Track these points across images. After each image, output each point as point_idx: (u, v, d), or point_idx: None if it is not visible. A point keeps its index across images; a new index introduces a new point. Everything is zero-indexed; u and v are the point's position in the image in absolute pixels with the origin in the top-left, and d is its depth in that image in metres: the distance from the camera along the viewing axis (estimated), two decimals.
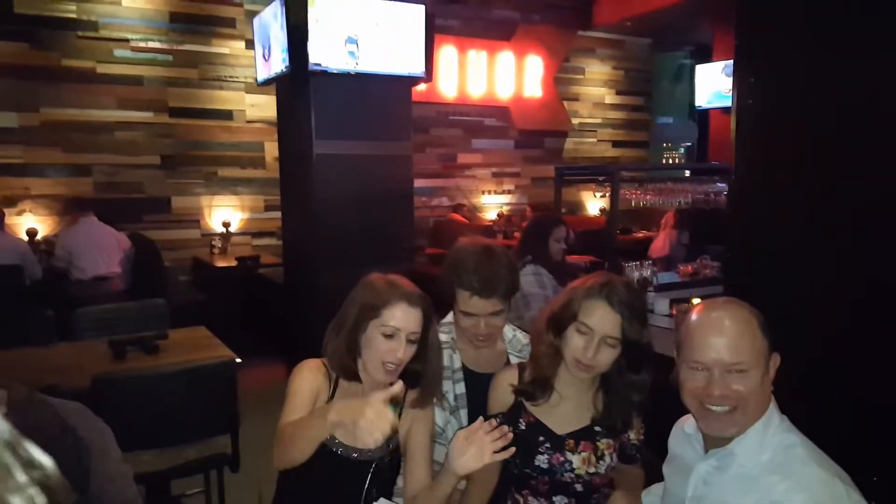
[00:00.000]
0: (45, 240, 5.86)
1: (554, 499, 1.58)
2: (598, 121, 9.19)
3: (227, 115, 6.68)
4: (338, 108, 4.62)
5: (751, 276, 2.02)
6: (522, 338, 1.92)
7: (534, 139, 8.60)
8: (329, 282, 4.61)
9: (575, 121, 8.91)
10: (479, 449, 1.36)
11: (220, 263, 6.20)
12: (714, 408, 1.29)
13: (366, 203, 4.71)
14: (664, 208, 4.77)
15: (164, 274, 5.87)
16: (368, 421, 1.33)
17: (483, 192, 8.41)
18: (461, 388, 1.83)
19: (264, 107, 6.63)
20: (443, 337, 1.88)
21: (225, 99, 6.67)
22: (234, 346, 3.08)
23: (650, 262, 3.86)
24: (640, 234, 7.61)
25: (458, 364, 1.85)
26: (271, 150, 6.70)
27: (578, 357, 1.50)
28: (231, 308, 5.76)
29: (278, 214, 5.76)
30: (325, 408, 1.48)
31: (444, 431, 1.80)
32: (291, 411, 1.58)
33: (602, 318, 1.48)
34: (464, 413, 1.82)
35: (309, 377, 1.64)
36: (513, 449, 1.39)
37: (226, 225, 6.61)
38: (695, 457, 1.41)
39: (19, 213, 5.92)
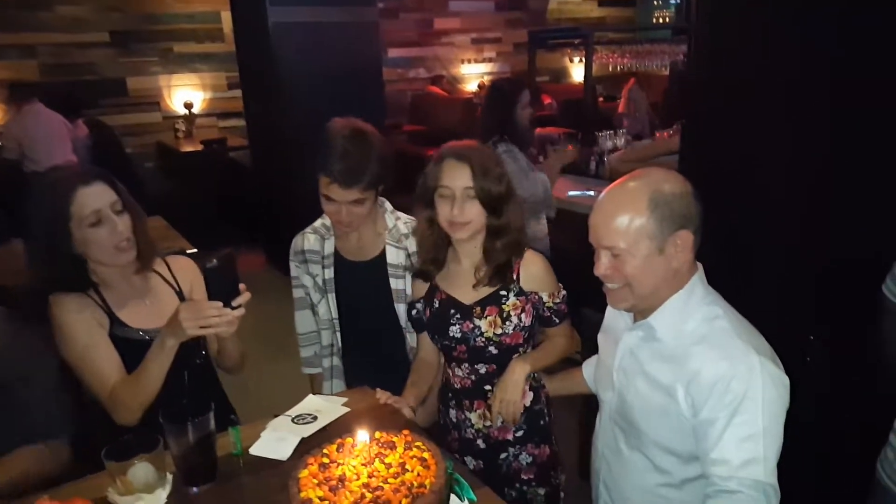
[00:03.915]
0: None
1: (476, 366, 1.68)
2: None
3: None
4: None
5: (705, 138, 1.92)
6: (402, 227, 1.89)
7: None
8: (297, 164, 4.44)
9: None
10: (196, 320, 1.42)
11: (186, 148, 5.99)
12: (605, 283, 1.32)
13: (331, 77, 4.43)
14: (644, 72, 4.51)
15: (126, 161, 5.64)
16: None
17: (463, 62, 8.00)
18: (330, 273, 1.89)
19: None
20: (317, 223, 1.92)
21: None
22: (207, 234, 2.96)
23: (624, 130, 3.69)
24: None
25: (329, 250, 1.89)
26: (229, 20, 6.23)
27: (449, 218, 1.58)
28: (202, 194, 5.61)
29: None
30: (163, 338, 1.46)
31: (320, 314, 1.93)
32: (97, 355, 1.53)
33: (453, 174, 1.57)
34: (331, 296, 1.90)
35: (71, 311, 1.54)
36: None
37: (188, 106, 6.30)
38: (624, 327, 1.42)
39: None
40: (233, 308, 1.40)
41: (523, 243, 1.66)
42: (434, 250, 1.68)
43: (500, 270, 1.63)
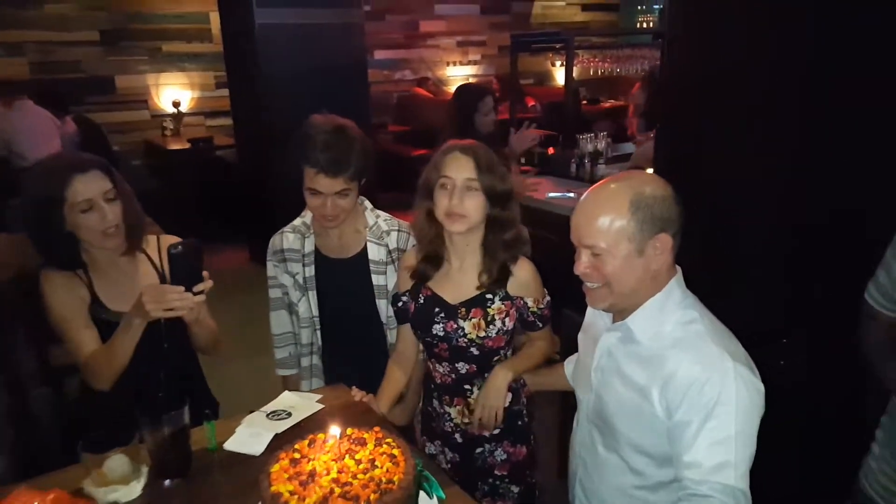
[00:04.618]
0: None
1: (456, 365, 1.70)
2: None
3: None
4: None
5: (679, 142, 1.95)
6: (383, 224, 1.92)
7: (500, 3, 8.08)
8: (282, 162, 4.45)
9: None
10: (159, 303, 1.48)
11: (174, 146, 5.97)
12: (585, 283, 1.34)
13: (317, 77, 4.45)
14: (626, 76, 4.57)
15: (112, 159, 5.62)
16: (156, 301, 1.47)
17: (448, 64, 7.99)
18: (311, 271, 1.90)
19: None
20: (296, 221, 1.93)
21: None
22: (192, 230, 2.96)
23: (604, 133, 3.74)
24: (608, 104, 7.38)
25: (309, 248, 1.90)
26: (217, 20, 6.23)
27: (447, 209, 1.58)
28: (189, 193, 5.62)
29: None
30: (129, 317, 1.54)
31: (300, 312, 1.94)
32: (76, 329, 1.63)
33: (457, 166, 1.59)
34: (312, 294, 1.92)
35: (57, 287, 1.65)
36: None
37: (176, 105, 6.29)
38: (603, 328, 1.43)
39: None
40: (194, 294, 1.45)
41: (521, 245, 1.67)
42: (430, 246, 1.69)
43: (501, 274, 1.64)
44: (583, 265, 1.30)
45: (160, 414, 1.28)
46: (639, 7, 7.83)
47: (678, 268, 1.35)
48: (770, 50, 1.75)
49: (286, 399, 1.66)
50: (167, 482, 1.30)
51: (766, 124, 1.80)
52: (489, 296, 1.64)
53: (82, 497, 1.21)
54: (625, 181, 1.30)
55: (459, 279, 1.67)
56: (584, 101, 7.08)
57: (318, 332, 1.95)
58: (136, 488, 1.24)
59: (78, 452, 1.20)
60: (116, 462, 1.22)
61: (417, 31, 7.70)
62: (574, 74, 4.62)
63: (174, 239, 1.83)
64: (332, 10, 4.50)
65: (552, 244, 2.16)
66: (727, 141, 1.86)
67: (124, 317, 1.54)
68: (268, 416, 1.57)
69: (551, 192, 3.58)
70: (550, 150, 4.17)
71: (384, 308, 1.90)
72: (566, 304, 1.93)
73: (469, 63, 8.15)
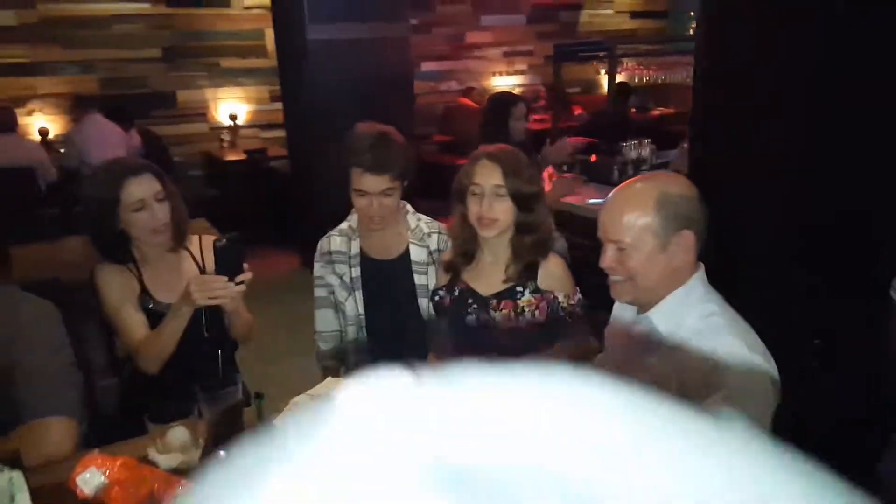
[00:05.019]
0: (58, 139, 5.93)
1: (489, 356, 1.72)
2: None
3: (224, 1, 6.44)
4: None
5: (712, 148, 1.97)
6: (424, 227, 2.01)
7: (547, 12, 8.10)
8: (331, 173, 4.61)
9: None
10: (204, 291, 1.60)
11: (230, 157, 6.24)
12: (610, 276, 1.40)
13: (364, 91, 4.60)
14: (671, 83, 4.56)
15: (173, 169, 5.94)
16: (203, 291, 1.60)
17: (494, 74, 8.06)
18: (357, 271, 2.01)
19: None
20: (343, 225, 2.03)
21: None
22: (246, 238, 3.12)
23: (648, 140, 3.76)
24: (657, 112, 7.32)
25: (355, 250, 2.01)
26: (272, 37, 6.51)
27: (478, 215, 1.68)
28: (244, 201, 5.88)
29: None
30: (178, 305, 1.67)
31: (346, 311, 2.03)
32: (128, 316, 1.78)
33: (485, 173, 1.68)
34: (359, 294, 2.02)
35: (110, 279, 1.81)
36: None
37: (233, 118, 6.58)
38: (627, 321, 1.49)
39: (29, 114, 5.95)
40: (236, 284, 1.58)
41: (549, 245, 1.76)
42: (464, 244, 1.80)
43: (529, 269, 1.73)
44: (608, 259, 1.37)
45: (217, 390, 1.41)
46: (691, 13, 7.72)
47: (701, 265, 1.40)
48: (778, 51, 1.76)
49: (329, 384, 1.77)
50: (221, 452, 1.41)
51: (772, 125, 1.81)
52: (519, 288, 1.73)
53: (146, 464, 1.34)
54: (651, 180, 1.37)
55: (492, 272, 1.76)
56: (633, 109, 7.04)
57: (364, 329, 2.05)
58: (194, 456, 1.36)
59: (144, 422, 1.33)
60: (178, 432, 1.35)
61: (463, 43, 7.80)
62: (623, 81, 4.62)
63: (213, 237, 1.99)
64: (379, 26, 4.65)
65: (589, 250, 2.21)
66: (733, 142, 1.88)
67: (173, 305, 1.69)
68: (312, 398, 1.68)
69: (592, 199, 3.60)
70: (593, 158, 4.21)
71: (425, 306, 1.99)
72: (604, 307, 1.96)
73: (515, 73, 8.19)
